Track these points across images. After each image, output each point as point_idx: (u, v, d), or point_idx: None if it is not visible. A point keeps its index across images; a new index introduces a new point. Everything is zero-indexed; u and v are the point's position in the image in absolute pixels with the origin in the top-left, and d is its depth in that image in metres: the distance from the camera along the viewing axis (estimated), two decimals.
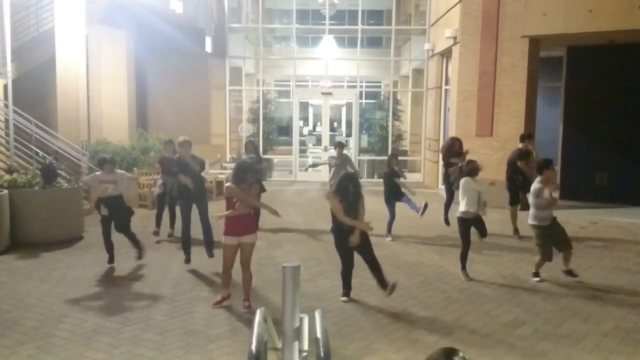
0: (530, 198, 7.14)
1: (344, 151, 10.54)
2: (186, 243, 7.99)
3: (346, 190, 6.30)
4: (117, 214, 7.79)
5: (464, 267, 7.42)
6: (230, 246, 6.13)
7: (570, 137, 13.55)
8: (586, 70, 13.21)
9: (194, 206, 8.11)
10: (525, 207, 9.30)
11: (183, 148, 8.17)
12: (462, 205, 7.40)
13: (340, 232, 6.37)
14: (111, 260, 7.87)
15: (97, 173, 8.08)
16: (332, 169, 10.18)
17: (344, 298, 6.49)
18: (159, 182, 9.97)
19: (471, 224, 7.43)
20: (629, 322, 5.93)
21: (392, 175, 9.59)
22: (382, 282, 6.38)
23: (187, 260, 7.92)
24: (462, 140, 10.53)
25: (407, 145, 19.52)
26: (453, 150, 10.19)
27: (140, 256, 7.95)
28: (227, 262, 6.18)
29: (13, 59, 11.13)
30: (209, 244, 8.14)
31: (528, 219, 7.27)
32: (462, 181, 7.44)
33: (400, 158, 11.46)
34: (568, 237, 7.26)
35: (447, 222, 10.40)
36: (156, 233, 9.65)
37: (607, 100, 13.02)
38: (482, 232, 7.57)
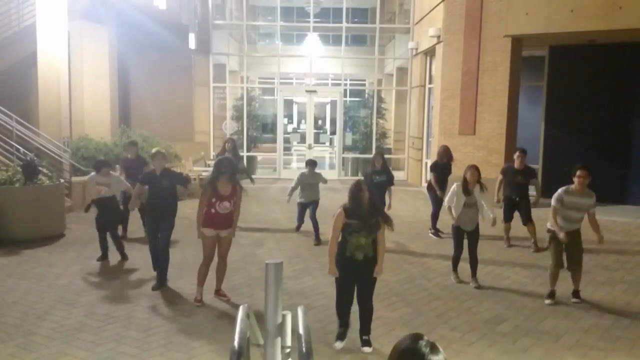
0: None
1: (316, 170, 9.76)
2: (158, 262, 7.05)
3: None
4: (107, 215, 7.99)
5: (455, 269, 7.33)
6: (210, 237, 6.27)
7: (552, 135, 13.71)
8: (568, 70, 13.36)
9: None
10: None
11: (156, 160, 7.05)
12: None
13: (346, 260, 5.10)
14: (103, 257, 8.01)
15: (93, 174, 8.18)
16: (300, 186, 9.63)
17: (339, 343, 5.17)
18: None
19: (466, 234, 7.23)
20: (608, 319, 6.03)
21: (372, 176, 9.12)
22: (367, 330, 5.23)
23: (158, 287, 6.80)
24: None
25: (391, 143, 19.61)
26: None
27: (123, 259, 8.04)
28: (209, 253, 6.32)
29: None
30: (160, 276, 6.87)
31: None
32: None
33: (385, 156, 10.36)
34: (580, 258, 6.61)
35: (436, 234, 9.83)
36: (122, 237, 9.10)
37: (588, 99, 13.19)
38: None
